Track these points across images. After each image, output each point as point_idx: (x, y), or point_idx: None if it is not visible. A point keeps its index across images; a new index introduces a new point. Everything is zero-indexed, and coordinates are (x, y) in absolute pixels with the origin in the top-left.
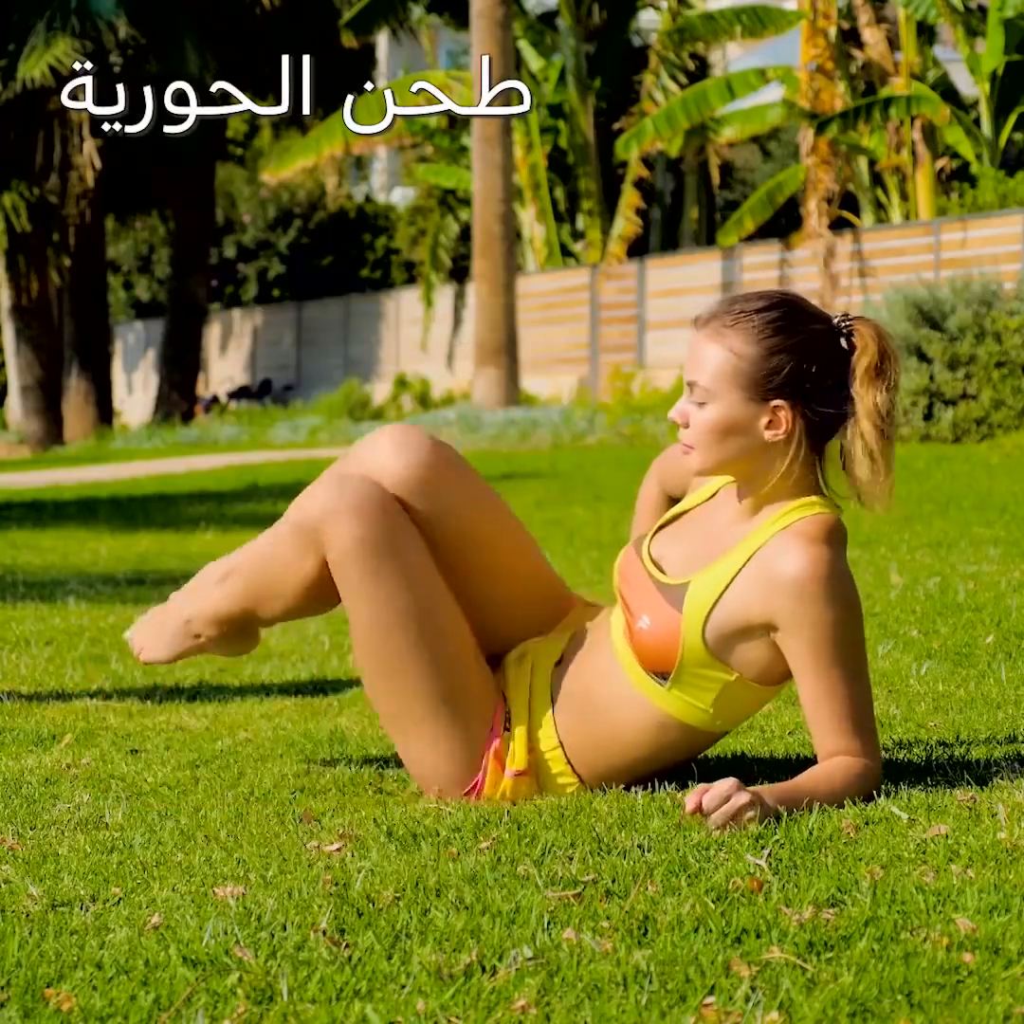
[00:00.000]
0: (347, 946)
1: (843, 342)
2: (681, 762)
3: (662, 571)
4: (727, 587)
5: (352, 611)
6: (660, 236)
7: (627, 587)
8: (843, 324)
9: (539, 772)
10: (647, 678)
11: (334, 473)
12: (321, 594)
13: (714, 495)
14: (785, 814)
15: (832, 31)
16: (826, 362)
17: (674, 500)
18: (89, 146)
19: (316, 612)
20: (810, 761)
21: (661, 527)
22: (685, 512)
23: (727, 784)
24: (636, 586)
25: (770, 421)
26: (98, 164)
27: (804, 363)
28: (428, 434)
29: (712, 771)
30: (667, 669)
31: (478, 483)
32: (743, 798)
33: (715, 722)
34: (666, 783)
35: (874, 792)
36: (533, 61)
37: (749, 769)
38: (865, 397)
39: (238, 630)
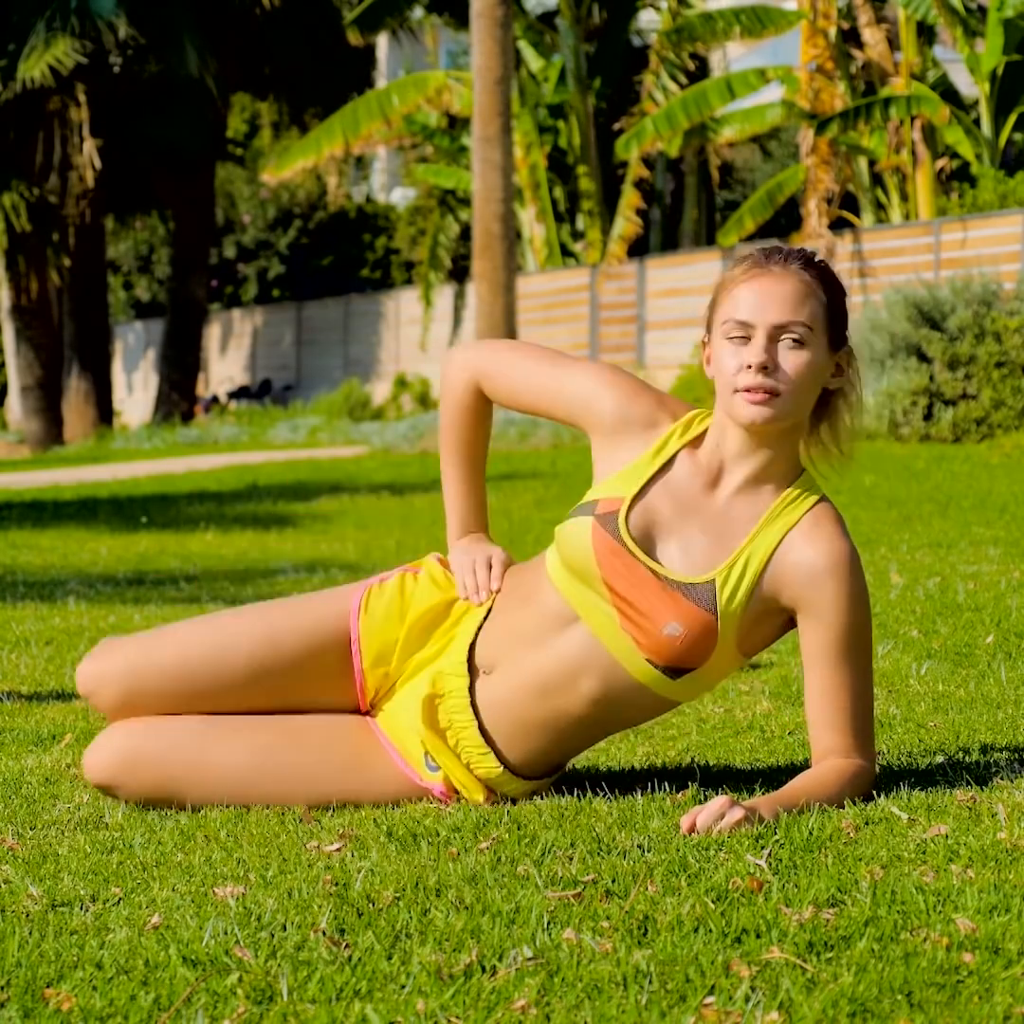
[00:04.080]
0: (347, 946)
1: None
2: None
3: (660, 563)
4: (759, 579)
5: None
6: (660, 236)
7: (625, 585)
8: None
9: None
10: (653, 672)
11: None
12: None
13: (671, 461)
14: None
15: (832, 31)
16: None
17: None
18: (89, 146)
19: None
20: (809, 762)
21: (632, 503)
22: (647, 483)
23: (720, 802)
24: (643, 587)
25: (837, 368)
26: (98, 164)
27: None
28: None
29: (713, 775)
30: (692, 667)
31: None
32: (737, 814)
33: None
34: (666, 783)
35: (873, 792)
36: (533, 61)
37: (749, 769)
38: None
39: None
